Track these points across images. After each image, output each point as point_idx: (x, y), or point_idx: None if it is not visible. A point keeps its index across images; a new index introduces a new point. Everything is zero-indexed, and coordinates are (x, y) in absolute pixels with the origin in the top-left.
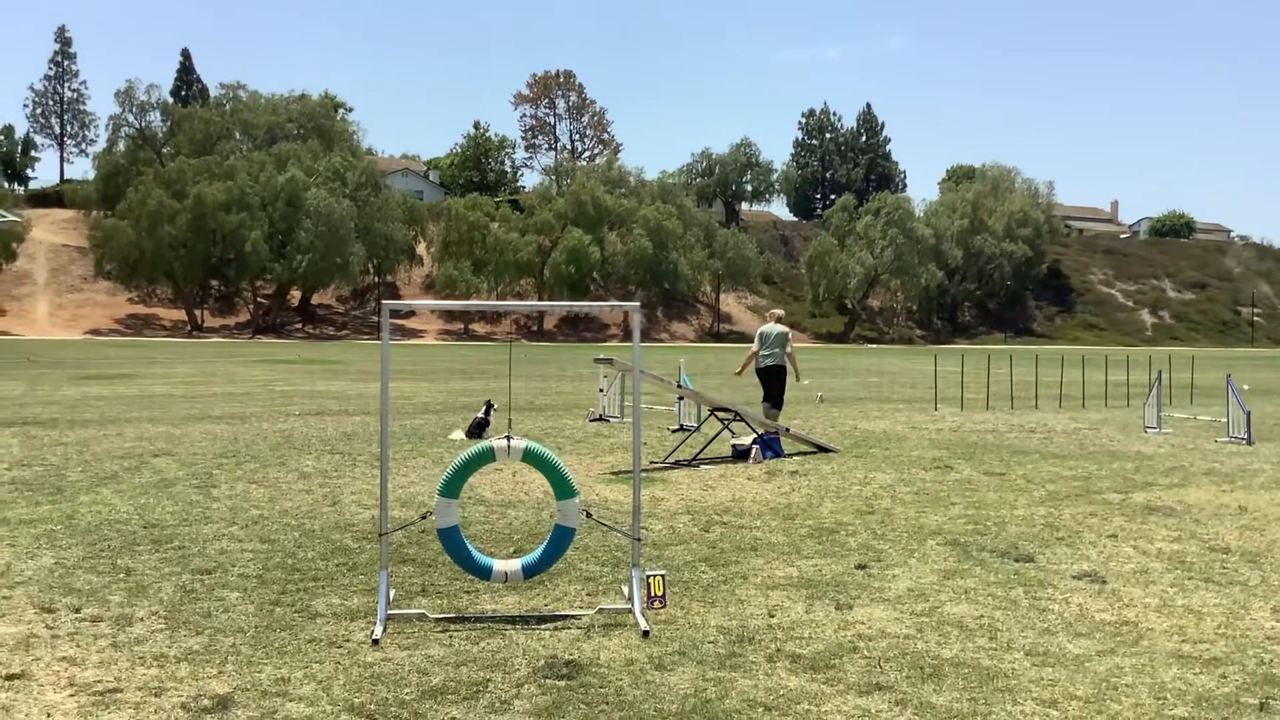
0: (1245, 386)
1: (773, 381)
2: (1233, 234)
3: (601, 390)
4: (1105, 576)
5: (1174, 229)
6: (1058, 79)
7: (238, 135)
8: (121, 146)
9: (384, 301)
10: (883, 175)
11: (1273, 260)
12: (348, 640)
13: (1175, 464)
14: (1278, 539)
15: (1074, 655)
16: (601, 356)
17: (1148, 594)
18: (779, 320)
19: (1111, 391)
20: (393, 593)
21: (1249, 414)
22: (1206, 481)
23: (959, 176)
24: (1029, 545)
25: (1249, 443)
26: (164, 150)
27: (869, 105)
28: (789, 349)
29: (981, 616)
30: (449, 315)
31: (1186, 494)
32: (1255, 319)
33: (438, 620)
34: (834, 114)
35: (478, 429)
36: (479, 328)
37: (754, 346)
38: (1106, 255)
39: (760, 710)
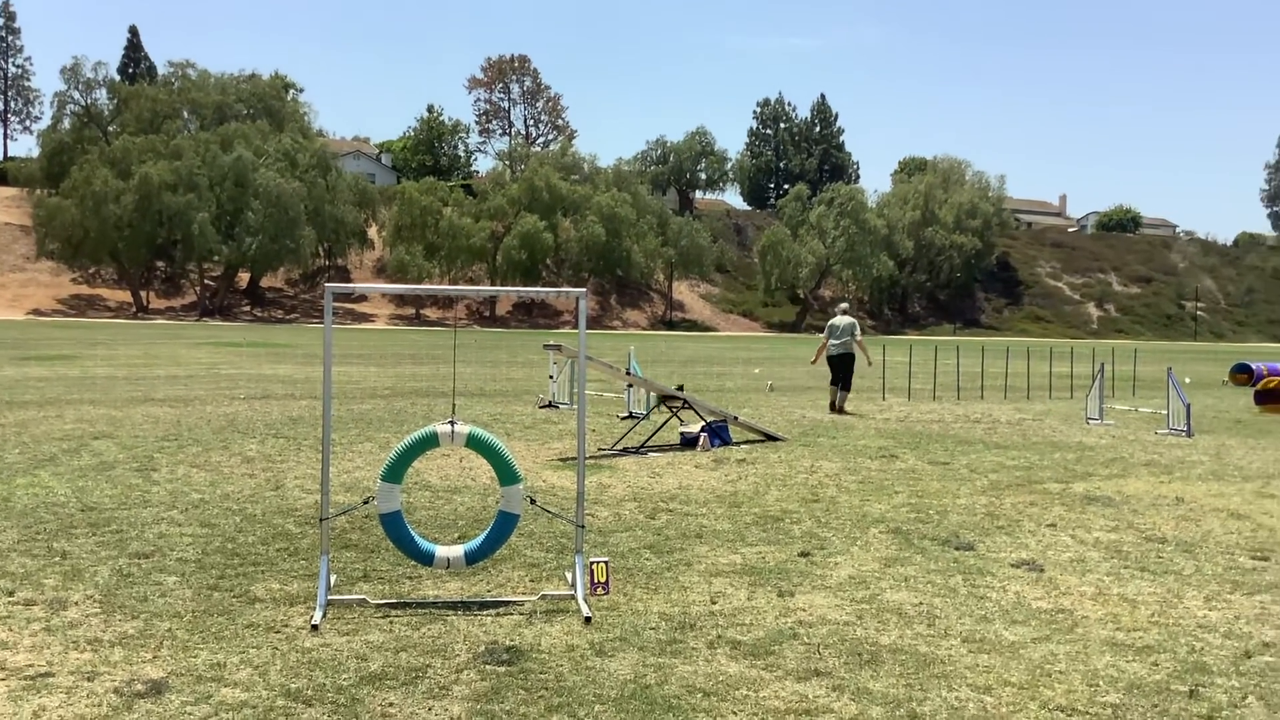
0: (1186, 380)
1: (843, 365)
2: (1178, 229)
3: (551, 377)
4: (1043, 565)
5: (1121, 223)
6: (1010, 73)
7: (186, 115)
8: (66, 124)
9: (327, 285)
10: (836, 166)
11: (1216, 255)
12: (286, 625)
13: (1115, 455)
14: (1213, 530)
15: (1010, 642)
16: (551, 343)
17: (1084, 582)
18: (844, 313)
19: (1055, 383)
20: (334, 578)
21: (1189, 406)
22: (1145, 472)
23: (911, 168)
24: (969, 534)
25: (1188, 435)
26: (110, 129)
27: (823, 96)
28: (858, 336)
29: (920, 604)
30: (400, 300)
31: (1125, 485)
32: (1198, 313)
33: (378, 606)
34: (788, 104)
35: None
36: (431, 313)
37: (824, 337)
38: (1054, 248)
39: (699, 696)
